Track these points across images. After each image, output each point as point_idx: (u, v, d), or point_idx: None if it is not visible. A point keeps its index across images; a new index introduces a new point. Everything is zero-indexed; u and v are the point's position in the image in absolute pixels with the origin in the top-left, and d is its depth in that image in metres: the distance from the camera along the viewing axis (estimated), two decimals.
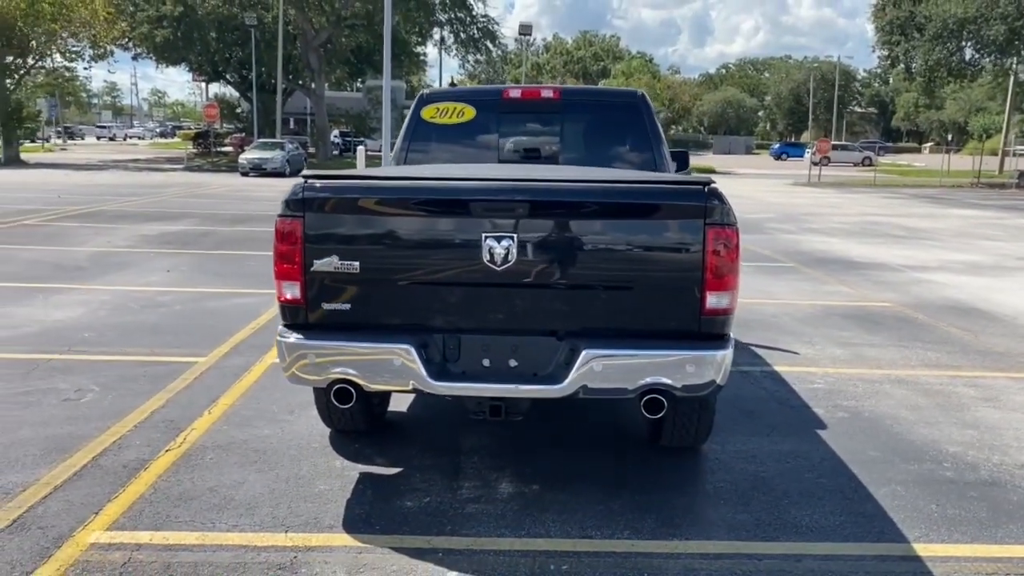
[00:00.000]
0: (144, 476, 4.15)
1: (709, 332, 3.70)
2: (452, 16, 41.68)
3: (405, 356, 3.63)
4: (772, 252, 13.51)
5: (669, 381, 3.62)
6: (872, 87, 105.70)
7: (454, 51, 45.43)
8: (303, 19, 40.28)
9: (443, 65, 52.86)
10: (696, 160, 61.88)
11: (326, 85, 48.81)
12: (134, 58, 47.16)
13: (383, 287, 3.74)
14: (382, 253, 3.71)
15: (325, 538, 3.56)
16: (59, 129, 63.29)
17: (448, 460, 4.49)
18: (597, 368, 3.61)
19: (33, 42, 38.21)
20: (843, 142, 67.17)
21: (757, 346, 7.18)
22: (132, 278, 9.68)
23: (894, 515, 3.93)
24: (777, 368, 6.47)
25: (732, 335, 3.84)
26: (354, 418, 4.64)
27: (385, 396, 4.95)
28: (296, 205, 3.69)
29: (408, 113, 5.83)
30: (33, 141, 53.06)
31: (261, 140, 36.79)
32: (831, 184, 36.23)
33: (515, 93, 5.77)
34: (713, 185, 3.64)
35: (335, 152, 50.36)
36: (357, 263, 3.69)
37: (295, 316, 3.79)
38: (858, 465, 4.54)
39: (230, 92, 56.85)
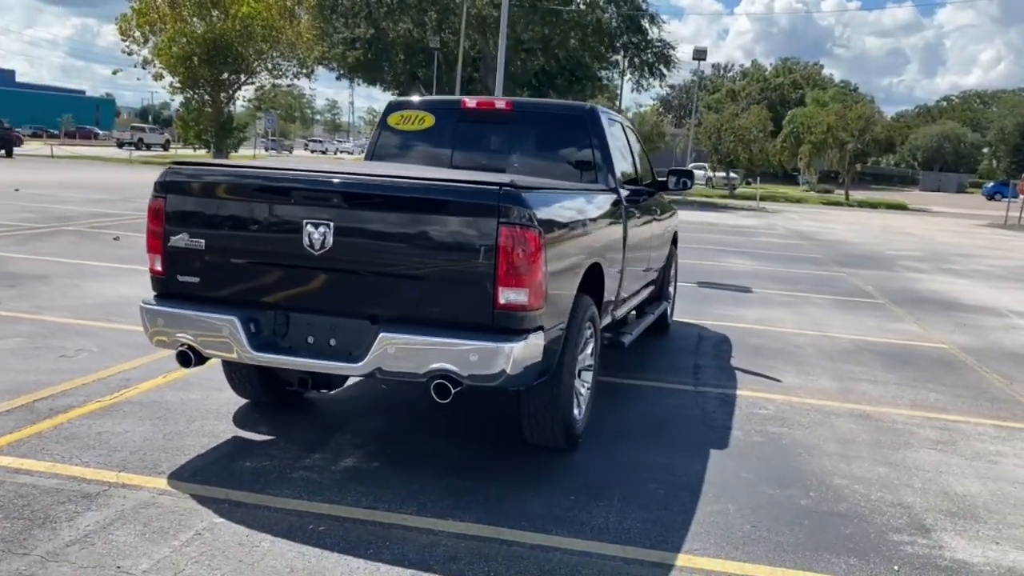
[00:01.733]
0: (59, 419, 4.80)
1: (503, 326, 3.87)
2: (627, 41, 41.91)
3: (230, 327, 4.05)
4: (874, 288, 12.80)
5: (455, 368, 3.82)
6: None
7: (628, 75, 45.69)
8: (484, 43, 41.96)
9: (622, 90, 52.62)
10: (897, 195, 58.57)
11: None
12: (338, 78, 50.88)
13: (221, 264, 4.19)
14: (221, 233, 4.17)
15: (144, 480, 4.03)
16: (273, 139, 68.92)
17: (322, 436, 4.86)
18: (391, 351, 3.88)
19: (245, 61, 42.24)
20: None
21: (745, 370, 7.01)
22: None
23: (695, 528, 3.89)
24: (740, 392, 6.33)
25: (542, 330, 3.98)
26: (254, 390, 5.12)
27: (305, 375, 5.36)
28: (160, 187, 4.23)
29: (377, 120, 6.29)
30: (255, 149, 58.11)
31: None
32: None
33: (471, 104, 6.08)
34: (509, 188, 3.81)
35: None
36: (203, 241, 4.16)
37: (158, 286, 4.32)
38: (716, 484, 4.47)
39: None
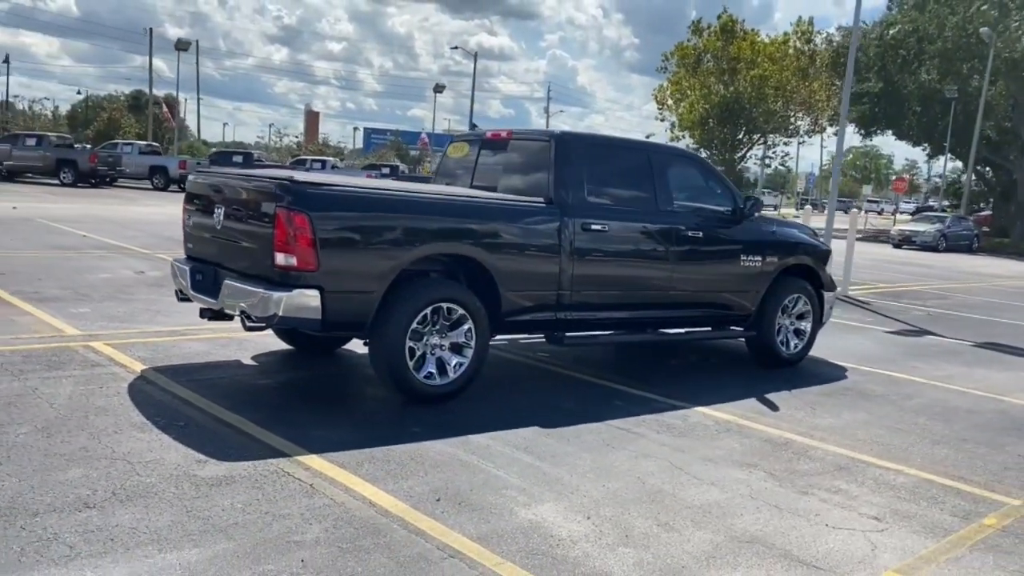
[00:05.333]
0: (174, 338, 7.50)
1: (280, 281, 5.44)
2: None
3: (184, 274, 6.30)
4: None
5: (247, 308, 5.52)
6: None
7: None
8: (1018, 89, 37.40)
9: None
10: None
11: None
12: (865, 135, 49.74)
13: (195, 235, 6.46)
14: (192, 217, 6.44)
15: (137, 365, 6.41)
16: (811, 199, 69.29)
17: (285, 370, 6.80)
18: (225, 293, 5.73)
19: (755, 121, 44.26)
20: None
21: (764, 400, 6.93)
22: None
23: (369, 447, 4.92)
24: (699, 408, 6.48)
25: (319, 289, 5.41)
26: (285, 338, 7.26)
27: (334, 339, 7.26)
28: (185, 193, 6.69)
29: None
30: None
31: (926, 213, 35.78)
32: None
33: (489, 135, 7.43)
34: (286, 182, 5.40)
35: None
36: (192, 222, 6.50)
37: (184, 251, 6.78)
38: (467, 440, 5.28)
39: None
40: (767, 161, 49.32)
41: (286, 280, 5.44)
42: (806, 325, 8.41)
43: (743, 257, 7.77)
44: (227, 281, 5.76)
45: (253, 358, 7.07)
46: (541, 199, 6.59)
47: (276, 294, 5.40)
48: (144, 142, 41.17)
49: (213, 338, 7.61)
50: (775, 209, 59.84)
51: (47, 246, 13.45)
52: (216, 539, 3.67)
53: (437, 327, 5.98)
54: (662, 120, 50.25)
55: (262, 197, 5.61)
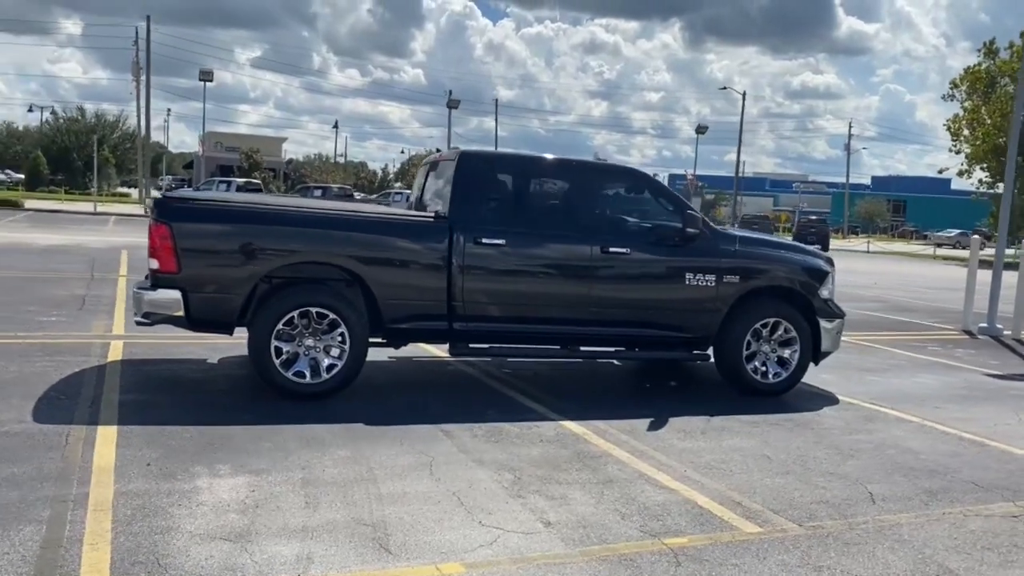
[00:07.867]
0: (179, 343, 8.76)
1: (152, 283, 6.38)
2: None
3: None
4: None
5: (135, 309, 6.51)
6: None
7: None
8: None
9: None
10: None
11: None
12: None
13: None
14: None
15: (117, 357, 7.68)
16: None
17: (239, 371, 7.71)
18: (135, 296, 6.77)
19: None
20: None
21: (657, 426, 6.64)
22: None
23: (175, 425, 5.65)
24: (573, 424, 6.40)
25: (182, 290, 6.28)
26: None
27: None
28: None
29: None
30: None
31: None
32: None
33: (435, 158, 7.89)
34: (159, 198, 6.34)
35: None
36: None
37: None
38: (265, 429, 5.82)
39: None
40: None
41: (156, 282, 6.35)
42: (790, 353, 7.73)
43: (689, 275, 7.40)
44: (135, 289, 6.80)
45: (220, 360, 8.07)
46: (431, 214, 6.94)
47: (146, 294, 6.33)
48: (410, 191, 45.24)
49: (217, 343, 8.65)
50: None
51: None
52: None
53: (310, 330, 6.54)
54: (956, 152, 45.69)
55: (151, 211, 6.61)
